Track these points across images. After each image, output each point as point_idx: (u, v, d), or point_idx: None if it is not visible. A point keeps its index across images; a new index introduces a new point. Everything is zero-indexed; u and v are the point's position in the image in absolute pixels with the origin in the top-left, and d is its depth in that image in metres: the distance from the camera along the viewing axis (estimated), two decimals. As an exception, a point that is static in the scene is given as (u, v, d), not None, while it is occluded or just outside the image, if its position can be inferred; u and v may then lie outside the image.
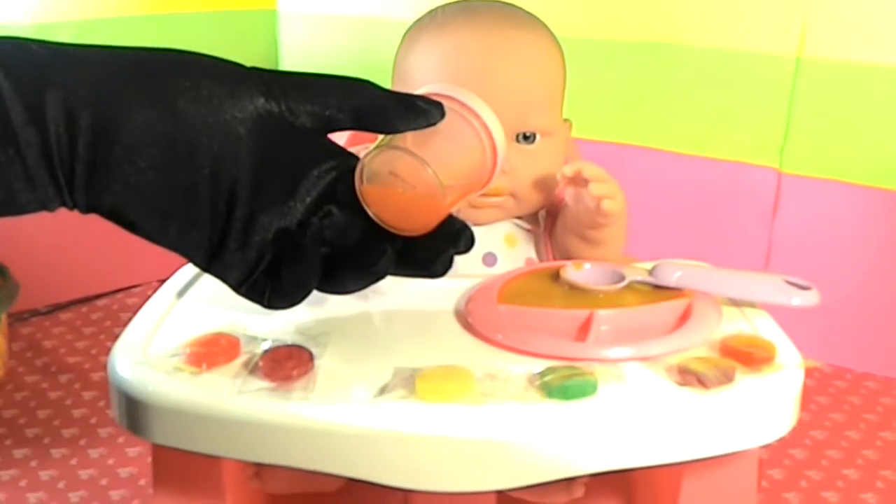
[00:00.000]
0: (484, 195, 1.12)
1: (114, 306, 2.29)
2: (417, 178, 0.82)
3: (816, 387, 1.92)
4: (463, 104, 0.88)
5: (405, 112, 0.82)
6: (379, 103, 0.82)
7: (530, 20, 1.17)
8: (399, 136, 0.83)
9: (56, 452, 1.70)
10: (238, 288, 0.86)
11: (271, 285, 0.86)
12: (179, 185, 0.79)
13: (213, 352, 0.87)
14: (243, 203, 0.81)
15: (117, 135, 0.75)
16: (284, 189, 0.83)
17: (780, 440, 0.87)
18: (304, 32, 2.38)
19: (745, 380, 0.85)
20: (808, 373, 0.89)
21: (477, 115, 0.88)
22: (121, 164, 0.76)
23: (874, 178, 1.86)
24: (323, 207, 0.85)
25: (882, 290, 1.93)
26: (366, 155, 0.84)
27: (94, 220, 0.82)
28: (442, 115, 0.83)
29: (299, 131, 0.81)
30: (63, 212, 0.81)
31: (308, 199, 0.84)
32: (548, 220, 1.20)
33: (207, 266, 0.85)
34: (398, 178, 0.82)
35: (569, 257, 1.12)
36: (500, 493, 0.88)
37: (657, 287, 0.98)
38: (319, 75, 0.82)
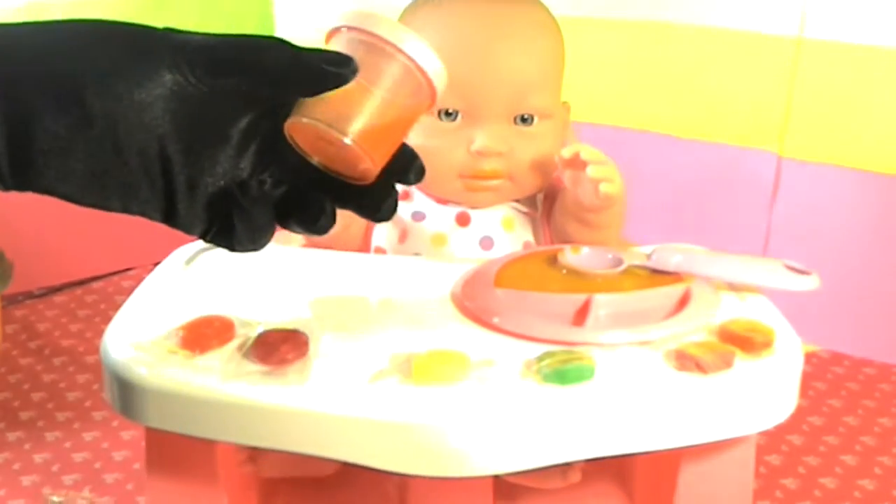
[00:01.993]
0: (481, 177, 1.11)
1: (108, 289, 2.28)
2: (335, 139, 0.80)
3: (814, 372, 1.92)
4: (376, 35, 0.81)
5: (313, 79, 0.79)
6: (286, 71, 0.79)
7: (529, 0, 1.16)
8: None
9: (50, 436, 1.69)
10: (203, 238, 0.85)
11: (234, 234, 0.84)
12: (108, 169, 0.78)
13: (207, 335, 0.86)
14: (180, 170, 0.79)
15: (33, 133, 0.75)
16: (218, 149, 0.81)
17: (778, 426, 0.87)
18: (299, 12, 2.37)
19: (744, 365, 0.85)
20: (806, 358, 0.89)
21: (392, 44, 0.81)
22: (43, 158, 0.76)
23: (874, 163, 1.85)
24: (265, 160, 0.84)
25: (881, 276, 1.92)
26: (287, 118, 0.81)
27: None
28: (353, 71, 0.79)
29: (217, 94, 0.79)
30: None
31: (246, 155, 0.83)
32: (545, 203, 1.19)
33: (168, 224, 0.84)
34: (322, 140, 0.81)
35: (567, 241, 1.11)
36: (496, 477, 0.88)
37: (656, 271, 0.97)
38: (231, 40, 0.79)
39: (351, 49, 0.80)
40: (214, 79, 0.78)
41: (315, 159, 0.81)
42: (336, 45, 0.82)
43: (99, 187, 0.78)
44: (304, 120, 0.79)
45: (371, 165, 0.80)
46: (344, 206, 0.83)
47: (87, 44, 0.78)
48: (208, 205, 0.81)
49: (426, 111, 0.86)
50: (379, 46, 0.81)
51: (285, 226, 0.84)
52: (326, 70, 0.78)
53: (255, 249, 0.83)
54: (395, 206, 0.83)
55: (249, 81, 0.79)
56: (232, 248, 0.82)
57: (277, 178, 0.83)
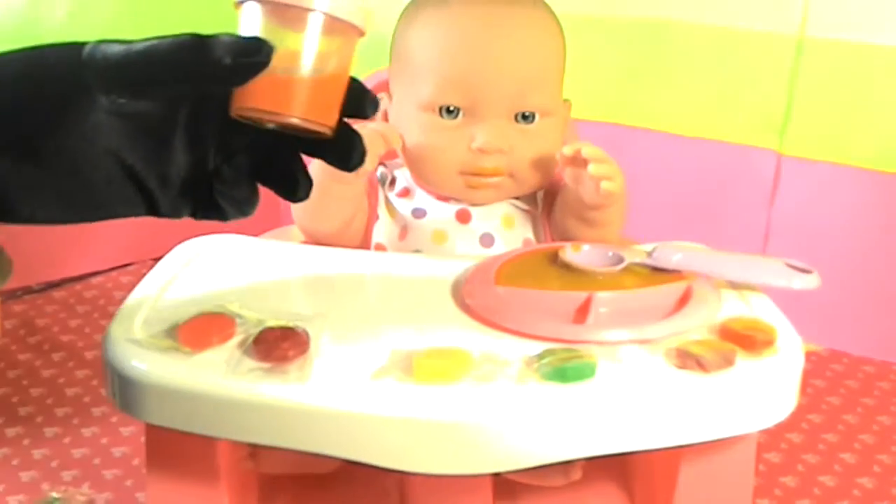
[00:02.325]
0: (482, 175, 1.11)
1: (108, 284, 2.28)
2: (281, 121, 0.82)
3: (813, 370, 1.91)
4: (280, 3, 0.81)
5: (232, 75, 0.80)
6: (205, 73, 0.80)
7: (531, -2, 1.16)
8: None
9: (49, 431, 1.69)
10: (193, 218, 0.86)
11: (221, 210, 0.86)
12: (81, 193, 0.82)
13: (207, 332, 0.86)
14: (146, 174, 0.82)
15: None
16: (173, 145, 0.84)
17: (777, 423, 0.87)
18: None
19: (745, 363, 0.85)
20: (806, 356, 0.89)
21: (298, 6, 0.81)
22: (15, 196, 0.81)
23: (875, 162, 1.85)
24: (225, 141, 0.86)
25: (880, 274, 1.92)
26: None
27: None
28: (268, 55, 0.79)
29: (150, 104, 0.82)
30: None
31: (204, 143, 0.85)
32: (546, 200, 1.19)
33: (156, 217, 0.85)
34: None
35: (567, 239, 1.11)
36: (496, 475, 0.88)
37: (656, 269, 0.97)
38: (148, 51, 0.82)
39: (263, 19, 0.81)
40: (141, 95, 0.81)
41: (271, 126, 0.82)
42: (247, 17, 0.82)
43: (77, 209, 0.83)
44: (246, 110, 0.81)
45: (326, 129, 0.83)
46: (316, 157, 0.87)
47: (22, 87, 0.81)
48: (186, 192, 0.84)
49: (355, 41, 0.85)
50: (289, 13, 0.81)
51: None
52: (243, 63, 0.79)
53: (247, 216, 0.85)
54: (363, 156, 0.87)
55: (173, 90, 0.82)
56: (224, 220, 0.85)
57: (244, 153, 0.85)
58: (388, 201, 1.19)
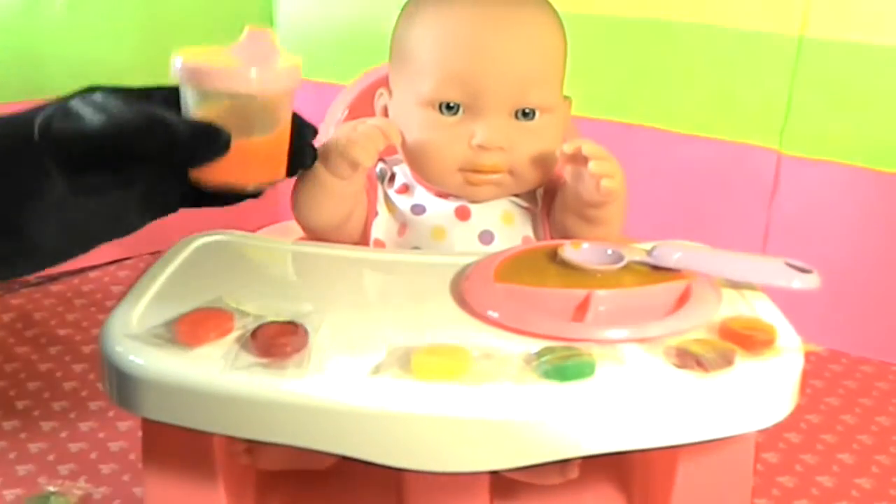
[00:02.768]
0: (481, 172, 1.11)
1: (105, 278, 2.28)
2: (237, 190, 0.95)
3: (812, 370, 1.91)
4: (227, 90, 0.91)
5: (192, 159, 0.91)
6: (166, 157, 0.89)
7: (532, -5, 1.16)
8: None
9: (46, 425, 1.69)
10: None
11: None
12: (64, 252, 0.92)
13: (205, 327, 0.86)
14: (108, 237, 0.93)
15: None
16: (136, 214, 0.94)
17: (776, 423, 0.87)
18: (299, 3, 2.37)
19: (744, 363, 0.85)
20: (805, 356, 0.88)
21: (238, 93, 0.91)
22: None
23: (874, 161, 1.85)
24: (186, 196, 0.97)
25: (880, 275, 1.92)
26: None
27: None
28: (226, 144, 0.89)
29: (109, 181, 0.90)
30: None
31: (164, 208, 0.96)
32: (546, 198, 1.18)
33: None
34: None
35: (567, 236, 1.11)
36: (493, 473, 0.87)
37: (656, 268, 0.97)
38: (108, 132, 0.87)
39: (205, 97, 0.90)
40: (97, 175, 0.88)
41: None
42: (187, 94, 0.92)
43: (63, 261, 0.92)
44: (202, 183, 0.92)
45: (278, 179, 0.96)
46: None
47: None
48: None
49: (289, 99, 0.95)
50: (230, 91, 0.90)
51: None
52: (202, 152, 0.90)
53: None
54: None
55: (129, 172, 0.90)
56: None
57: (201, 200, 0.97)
58: (387, 197, 1.19)
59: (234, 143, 0.90)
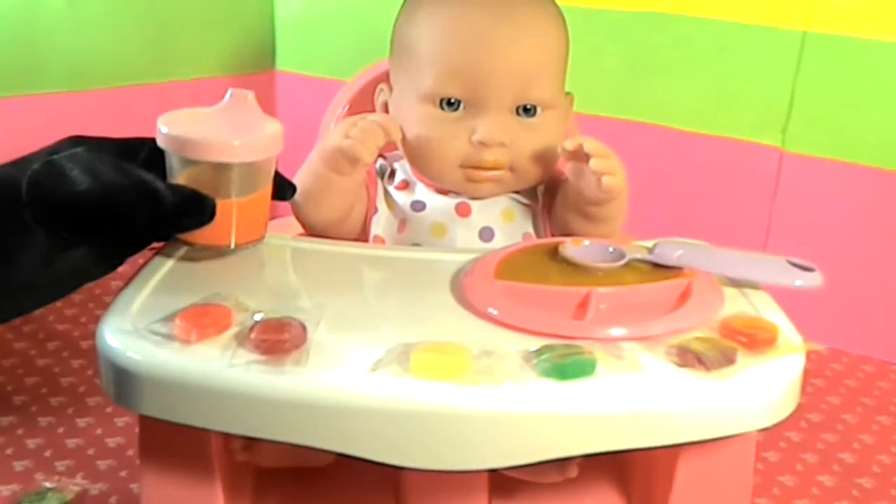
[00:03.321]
0: (482, 168, 1.10)
1: (105, 273, 2.27)
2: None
3: (813, 369, 1.91)
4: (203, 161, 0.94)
5: (177, 229, 0.95)
6: (152, 225, 0.93)
7: (533, -10, 1.15)
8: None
9: (43, 421, 1.69)
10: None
11: None
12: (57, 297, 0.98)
13: (203, 322, 0.85)
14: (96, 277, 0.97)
15: None
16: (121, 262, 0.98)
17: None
18: None
19: (746, 361, 0.84)
20: (806, 355, 0.88)
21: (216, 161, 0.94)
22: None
23: (877, 159, 1.85)
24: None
25: (881, 273, 1.92)
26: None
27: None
28: (211, 214, 0.93)
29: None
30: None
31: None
32: (546, 195, 1.18)
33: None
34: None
35: (567, 234, 1.10)
36: (492, 471, 0.87)
37: (657, 265, 0.96)
38: (94, 199, 0.90)
39: (189, 166, 0.94)
40: (84, 240, 0.92)
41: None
42: (172, 160, 0.95)
43: (40, 306, 0.98)
44: (187, 245, 0.97)
45: (259, 239, 1.00)
46: None
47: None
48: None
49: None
50: (213, 161, 0.93)
51: None
52: (188, 222, 0.94)
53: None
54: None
55: (116, 236, 0.94)
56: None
57: None
58: (387, 194, 1.18)
59: (217, 205, 0.94)
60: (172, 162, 0.94)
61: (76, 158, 0.92)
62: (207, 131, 0.93)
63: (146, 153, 0.96)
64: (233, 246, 0.96)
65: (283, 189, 1.03)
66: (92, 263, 0.94)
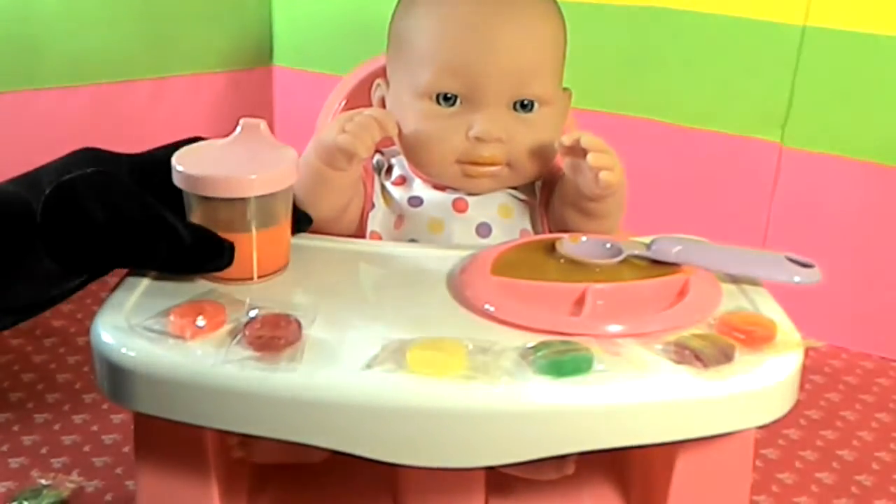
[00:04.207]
0: (479, 164, 1.10)
1: (102, 270, 2.27)
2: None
3: (812, 366, 1.90)
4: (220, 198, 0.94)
5: (196, 270, 0.95)
6: (171, 265, 0.94)
7: (531, -15, 1.15)
8: None
9: (39, 418, 1.68)
10: None
11: None
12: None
13: (198, 319, 0.85)
14: None
15: None
16: None
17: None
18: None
19: (744, 358, 0.84)
20: (805, 352, 0.87)
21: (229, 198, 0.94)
22: None
23: (877, 155, 1.84)
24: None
25: (881, 269, 1.91)
26: None
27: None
28: (230, 259, 0.94)
29: None
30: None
31: None
32: (544, 191, 1.18)
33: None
34: None
35: (565, 229, 1.10)
36: (489, 469, 0.86)
37: (655, 262, 0.96)
38: (116, 235, 0.91)
39: (211, 204, 0.94)
40: (95, 273, 0.94)
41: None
42: (189, 198, 0.95)
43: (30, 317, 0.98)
44: (211, 279, 0.95)
45: (281, 269, 0.98)
46: None
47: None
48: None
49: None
50: (228, 200, 0.93)
51: None
52: (206, 264, 0.94)
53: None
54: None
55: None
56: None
57: None
58: (383, 189, 1.18)
59: (237, 239, 0.95)
60: (191, 200, 0.95)
61: (92, 184, 0.91)
62: (222, 167, 0.94)
63: (162, 175, 0.96)
64: (255, 279, 0.96)
65: (298, 222, 1.03)
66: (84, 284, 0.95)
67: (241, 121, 0.99)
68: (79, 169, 0.92)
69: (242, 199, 0.93)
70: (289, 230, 0.99)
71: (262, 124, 0.99)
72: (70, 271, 0.90)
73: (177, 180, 0.94)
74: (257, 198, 0.93)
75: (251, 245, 0.95)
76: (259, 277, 0.96)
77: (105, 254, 0.91)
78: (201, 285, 0.93)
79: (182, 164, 0.93)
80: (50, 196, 0.89)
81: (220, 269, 0.94)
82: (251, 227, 0.94)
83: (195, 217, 0.95)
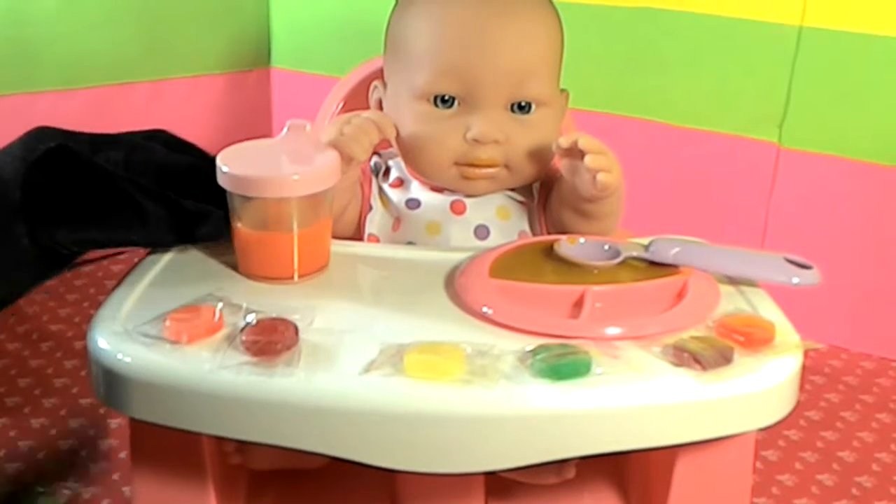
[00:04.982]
0: (477, 165, 1.10)
1: (98, 273, 2.26)
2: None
3: (812, 366, 1.90)
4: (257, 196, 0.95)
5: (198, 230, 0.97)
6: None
7: (528, -14, 1.14)
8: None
9: (35, 422, 1.68)
10: None
11: None
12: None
13: (194, 324, 0.85)
14: None
15: None
16: None
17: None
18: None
19: (743, 360, 0.83)
20: (804, 353, 0.87)
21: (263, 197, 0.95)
22: None
23: (875, 155, 1.84)
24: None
25: (879, 269, 1.91)
26: None
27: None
28: (219, 223, 0.95)
29: None
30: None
31: None
32: (542, 192, 1.17)
33: None
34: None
35: (563, 231, 1.10)
36: (489, 473, 0.86)
37: (653, 263, 0.96)
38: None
39: (255, 203, 0.95)
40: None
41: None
42: (233, 198, 0.95)
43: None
44: (252, 278, 0.97)
45: (323, 267, 0.99)
46: None
47: None
48: None
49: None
50: (271, 200, 0.94)
51: None
52: (196, 235, 0.97)
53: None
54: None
55: None
56: None
57: None
58: (381, 192, 1.17)
59: (279, 238, 0.96)
60: (234, 200, 0.95)
61: (68, 155, 0.91)
62: (265, 167, 0.95)
63: (137, 155, 0.96)
64: (296, 279, 0.97)
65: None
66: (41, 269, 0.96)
67: (288, 122, 1.01)
68: (44, 144, 0.92)
69: (284, 199, 0.94)
70: (329, 231, 1.00)
71: (308, 125, 1.00)
72: (54, 249, 0.89)
73: (221, 180, 0.94)
74: (299, 198, 0.94)
75: (292, 245, 0.96)
76: (300, 277, 0.97)
77: (83, 227, 0.91)
78: (198, 289, 0.92)
79: (226, 164, 0.94)
80: (26, 172, 0.89)
81: (213, 238, 0.96)
82: (292, 227, 0.95)
83: (238, 216, 0.96)
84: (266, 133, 2.29)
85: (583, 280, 0.91)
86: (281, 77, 2.42)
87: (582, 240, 0.98)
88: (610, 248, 0.97)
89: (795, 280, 0.94)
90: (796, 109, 1.89)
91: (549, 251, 0.97)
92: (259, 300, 0.89)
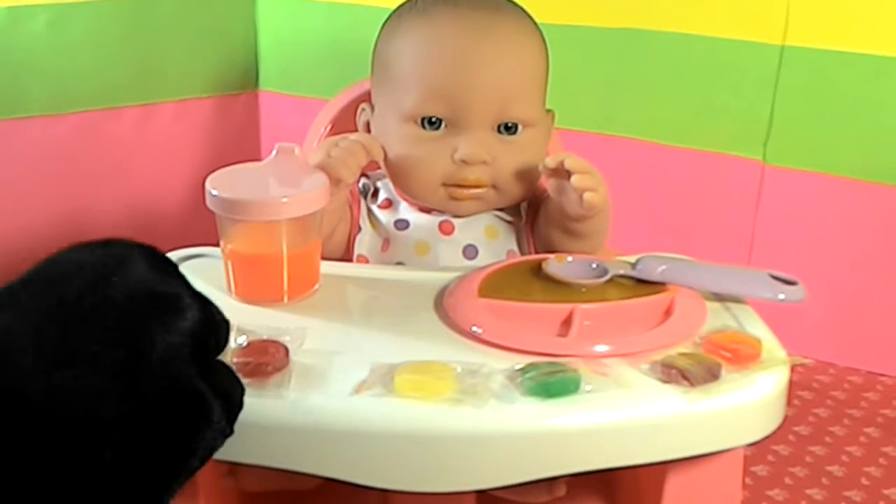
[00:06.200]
0: (465, 186, 1.10)
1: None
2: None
3: (800, 382, 1.90)
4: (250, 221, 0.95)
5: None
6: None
7: (513, 8, 1.15)
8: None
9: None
10: None
11: None
12: None
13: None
14: None
15: None
16: None
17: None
18: (282, 16, 2.36)
19: (730, 376, 0.84)
20: (792, 368, 0.88)
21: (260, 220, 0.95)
22: None
23: (859, 172, 1.85)
24: None
25: (865, 284, 1.92)
26: None
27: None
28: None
29: None
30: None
31: None
32: (529, 212, 1.18)
33: None
34: None
35: (551, 250, 1.10)
36: (480, 492, 0.86)
37: (641, 281, 0.96)
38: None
39: (244, 227, 0.96)
40: None
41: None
42: (222, 221, 0.96)
43: None
44: (242, 300, 0.97)
45: (313, 290, 0.99)
46: None
47: None
48: None
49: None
50: (260, 223, 0.95)
51: None
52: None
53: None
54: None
55: None
56: None
57: None
58: (370, 213, 1.18)
59: (269, 261, 0.96)
60: (223, 223, 0.96)
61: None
62: (254, 191, 0.95)
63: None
64: (286, 301, 0.97)
65: None
66: None
67: (277, 145, 1.01)
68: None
69: (274, 222, 0.95)
70: (319, 253, 1.01)
71: (296, 148, 1.01)
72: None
73: (210, 203, 0.94)
74: (288, 221, 0.95)
75: (282, 267, 0.96)
76: (290, 299, 0.97)
77: None
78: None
79: (215, 187, 0.94)
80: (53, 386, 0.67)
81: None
82: (282, 249, 0.96)
83: (228, 239, 0.97)
84: (254, 156, 2.28)
85: (571, 298, 0.92)
86: (269, 100, 2.42)
87: (570, 258, 0.99)
88: (598, 266, 0.98)
89: (781, 296, 0.95)
90: (780, 127, 1.89)
91: (537, 270, 0.98)
92: (249, 322, 0.89)
